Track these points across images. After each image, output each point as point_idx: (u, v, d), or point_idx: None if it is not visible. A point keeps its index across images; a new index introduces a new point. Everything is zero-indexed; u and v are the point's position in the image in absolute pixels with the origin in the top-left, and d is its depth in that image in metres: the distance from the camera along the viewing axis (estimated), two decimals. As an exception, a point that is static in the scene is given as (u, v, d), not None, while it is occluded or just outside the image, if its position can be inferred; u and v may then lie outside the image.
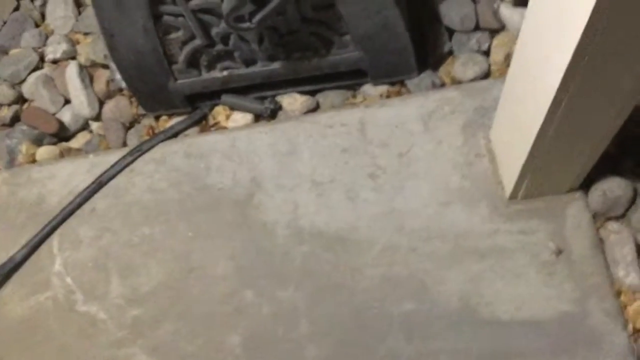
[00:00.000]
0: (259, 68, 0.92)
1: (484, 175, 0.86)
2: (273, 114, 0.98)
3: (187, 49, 0.88)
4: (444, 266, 0.81)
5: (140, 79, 0.92)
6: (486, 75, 0.95)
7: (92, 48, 1.05)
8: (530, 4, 0.60)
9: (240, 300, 0.84)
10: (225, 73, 0.93)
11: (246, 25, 0.78)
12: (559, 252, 0.80)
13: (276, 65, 0.92)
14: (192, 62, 0.91)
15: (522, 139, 0.71)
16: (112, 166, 0.94)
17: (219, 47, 0.88)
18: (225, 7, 0.75)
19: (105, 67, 1.04)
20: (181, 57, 0.89)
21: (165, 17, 0.83)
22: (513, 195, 0.82)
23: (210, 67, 0.92)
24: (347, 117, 0.94)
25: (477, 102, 0.91)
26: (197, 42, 0.86)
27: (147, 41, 0.84)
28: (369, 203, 0.87)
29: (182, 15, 0.82)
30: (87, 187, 0.93)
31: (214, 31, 0.85)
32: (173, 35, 0.86)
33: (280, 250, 0.87)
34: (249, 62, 0.92)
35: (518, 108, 0.71)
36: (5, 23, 1.10)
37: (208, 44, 0.87)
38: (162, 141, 0.96)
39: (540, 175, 0.77)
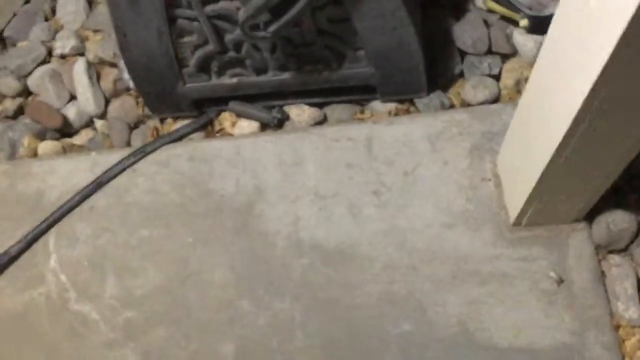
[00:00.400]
0: (269, 77, 0.92)
1: (488, 199, 0.86)
2: (280, 123, 0.97)
3: (199, 53, 0.87)
4: (444, 288, 0.81)
5: (149, 80, 0.91)
6: (496, 99, 0.95)
7: (101, 46, 1.05)
8: (550, 31, 0.60)
9: (237, 309, 0.83)
10: (234, 80, 0.92)
11: (261, 34, 0.78)
12: (560, 281, 0.79)
13: (287, 75, 0.91)
14: (203, 67, 0.90)
15: (531, 166, 0.71)
16: (115, 165, 0.93)
17: (231, 53, 0.88)
18: (242, 15, 0.75)
19: (114, 65, 1.04)
20: (192, 61, 0.89)
21: (180, 21, 0.82)
22: (517, 222, 0.82)
23: (220, 73, 0.92)
24: (354, 132, 0.93)
25: (485, 125, 0.91)
26: (210, 47, 0.86)
27: (160, 43, 0.84)
28: (371, 219, 0.87)
29: (197, 20, 0.82)
30: (88, 185, 0.92)
31: (228, 38, 0.85)
32: (186, 39, 0.86)
33: (279, 261, 0.86)
34: (259, 71, 0.91)
35: (530, 135, 0.70)
36: (15, 15, 1.09)
37: (220, 50, 0.87)
38: (166, 143, 0.96)
39: (547, 203, 0.76)
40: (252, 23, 0.76)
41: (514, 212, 0.82)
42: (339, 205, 0.89)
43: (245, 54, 0.88)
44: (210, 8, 0.80)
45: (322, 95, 0.96)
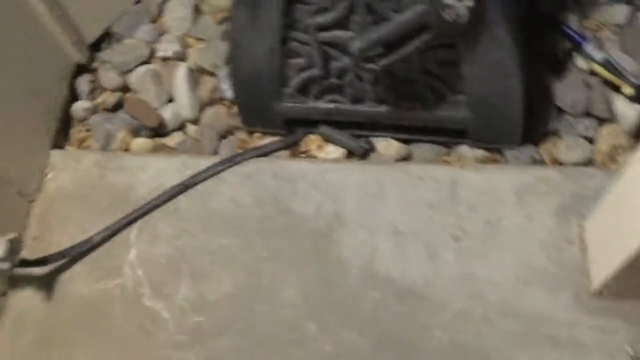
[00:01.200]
0: (364, 108, 0.93)
1: (571, 263, 0.84)
2: (366, 154, 0.98)
3: (303, 75, 0.89)
4: (516, 346, 0.80)
5: (249, 94, 0.94)
6: (588, 162, 0.94)
7: (203, 54, 1.08)
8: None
9: (303, 332, 0.83)
10: (331, 105, 0.94)
11: (370, 66, 0.79)
12: (636, 359, 0.77)
13: (382, 108, 0.92)
14: (303, 89, 0.92)
15: (627, 241, 0.69)
16: (203, 171, 0.96)
17: (333, 80, 0.90)
18: (356, 46, 0.77)
19: (212, 74, 1.07)
20: (294, 82, 0.91)
21: (293, 43, 0.84)
22: (599, 291, 0.80)
23: (318, 97, 0.93)
24: (440, 174, 0.94)
25: (575, 187, 0.90)
26: (315, 71, 0.88)
27: (269, 61, 0.86)
28: (448, 264, 0.87)
29: (309, 44, 0.84)
30: (175, 186, 0.94)
31: (334, 64, 0.87)
32: (293, 61, 0.88)
33: (351, 290, 0.86)
34: (356, 100, 0.93)
35: (631, 208, 0.69)
36: (125, 13, 1.14)
37: (324, 75, 0.89)
38: (254, 157, 0.98)
39: (634, 278, 0.75)
40: (364, 55, 0.77)
41: (597, 281, 0.80)
42: (416, 244, 0.89)
43: (346, 82, 0.89)
44: (324, 34, 0.82)
45: (411, 132, 0.97)
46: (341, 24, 0.79)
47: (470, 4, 0.68)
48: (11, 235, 0.79)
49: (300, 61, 0.87)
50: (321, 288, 0.87)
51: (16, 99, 0.92)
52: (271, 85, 0.90)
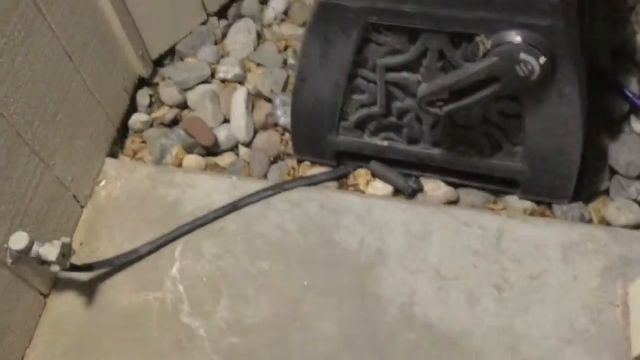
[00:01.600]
0: (419, 148, 0.94)
1: (613, 325, 0.84)
2: (413, 193, 0.99)
3: (363, 112, 0.91)
4: (552, 405, 0.79)
5: (307, 124, 0.95)
6: (637, 226, 0.93)
7: (262, 80, 1.11)
8: None
9: (338, 366, 0.83)
10: (385, 143, 0.95)
11: (434, 110, 0.80)
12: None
13: (436, 151, 0.93)
14: (360, 124, 0.94)
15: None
16: (252, 194, 0.97)
17: (392, 119, 0.91)
18: (423, 90, 0.78)
19: (268, 100, 1.09)
20: (353, 117, 0.92)
21: (358, 80, 0.86)
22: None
23: (374, 133, 0.95)
24: (487, 222, 0.94)
25: (623, 249, 0.89)
26: (375, 109, 0.89)
27: (332, 95, 0.88)
28: (488, 313, 0.86)
29: (374, 83, 0.85)
30: (223, 206, 0.96)
31: (396, 104, 0.88)
32: (356, 97, 0.89)
33: (387, 329, 0.86)
34: (412, 140, 0.94)
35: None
36: (190, 33, 1.17)
37: (384, 114, 0.90)
38: (303, 185, 0.99)
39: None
40: (429, 99, 0.78)
41: (638, 346, 0.79)
42: (457, 290, 0.88)
43: (405, 123, 0.91)
44: (391, 75, 0.83)
45: (461, 176, 0.97)
46: (410, 66, 0.81)
47: (544, 60, 0.69)
48: (65, 240, 0.80)
49: (362, 97, 0.89)
50: (358, 323, 0.87)
51: (82, 104, 0.95)
52: (330, 118, 0.92)
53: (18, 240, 0.77)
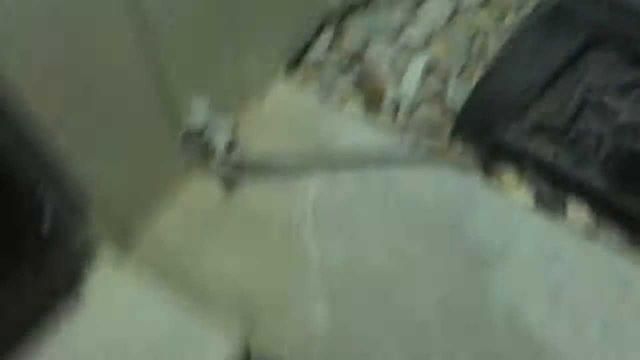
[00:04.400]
0: (582, 173, 0.92)
1: None
2: (553, 212, 0.97)
3: (545, 120, 0.89)
4: None
5: (480, 110, 0.95)
6: None
7: (444, 56, 1.11)
8: None
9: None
10: (551, 156, 0.93)
11: (622, 142, 0.78)
12: None
13: (599, 182, 0.91)
14: (535, 131, 0.92)
15: None
16: (402, 158, 0.99)
17: (571, 136, 0.89)
18: (624, 119, 0.76)
19: (442, 78, 1.10)
20: (532, 121, 0.91)
21: (558, 86, 0.85)
22: None
23: (545, 143, 0.93)
24: (619, 267, 0.92)
25: None
26: (559, 122, 0.87)
27: (522, 92, 0.87)
28: (592, 343, 0.84)
29: (570, 96, 0.84)
30: (371, 157, 0.99)
31: (582, 124, 0.86)
32: (544, 103, 0.88)
33: (488, 327, 0.86)
34: (579, 163, 0.91)
35: None
36: None
37: (565, 129, 0.88)
38: (451, 166, 1.00)
39: None
40: (625, 130, 0.76)
41: None
42: (566, 315, 0.87)
43: (582, 144, 0.88)
44: (591, 95, 0.81)
45: (610, 212, 0.94)
46: (618, 90, 0.79)
47: None
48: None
49: (551, 106, 0.88)
50: (461, 310, 0.88)
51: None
52: (508, 114, 0.91)
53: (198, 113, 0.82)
